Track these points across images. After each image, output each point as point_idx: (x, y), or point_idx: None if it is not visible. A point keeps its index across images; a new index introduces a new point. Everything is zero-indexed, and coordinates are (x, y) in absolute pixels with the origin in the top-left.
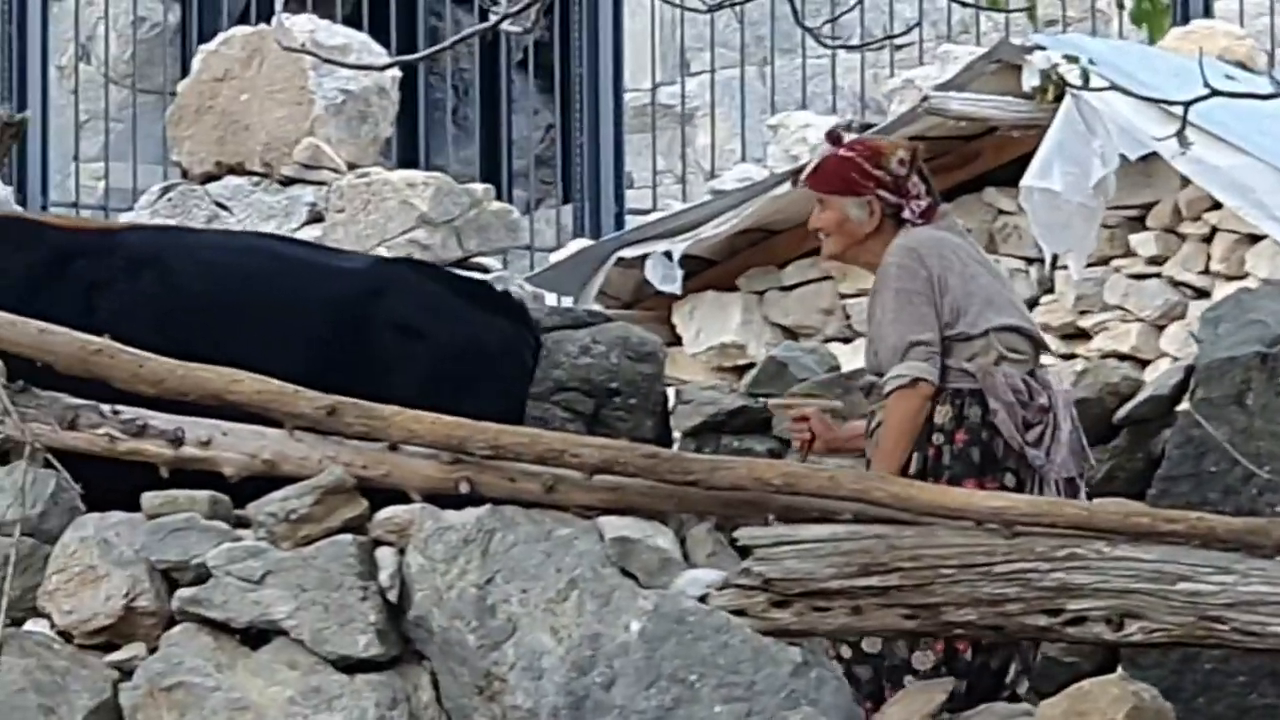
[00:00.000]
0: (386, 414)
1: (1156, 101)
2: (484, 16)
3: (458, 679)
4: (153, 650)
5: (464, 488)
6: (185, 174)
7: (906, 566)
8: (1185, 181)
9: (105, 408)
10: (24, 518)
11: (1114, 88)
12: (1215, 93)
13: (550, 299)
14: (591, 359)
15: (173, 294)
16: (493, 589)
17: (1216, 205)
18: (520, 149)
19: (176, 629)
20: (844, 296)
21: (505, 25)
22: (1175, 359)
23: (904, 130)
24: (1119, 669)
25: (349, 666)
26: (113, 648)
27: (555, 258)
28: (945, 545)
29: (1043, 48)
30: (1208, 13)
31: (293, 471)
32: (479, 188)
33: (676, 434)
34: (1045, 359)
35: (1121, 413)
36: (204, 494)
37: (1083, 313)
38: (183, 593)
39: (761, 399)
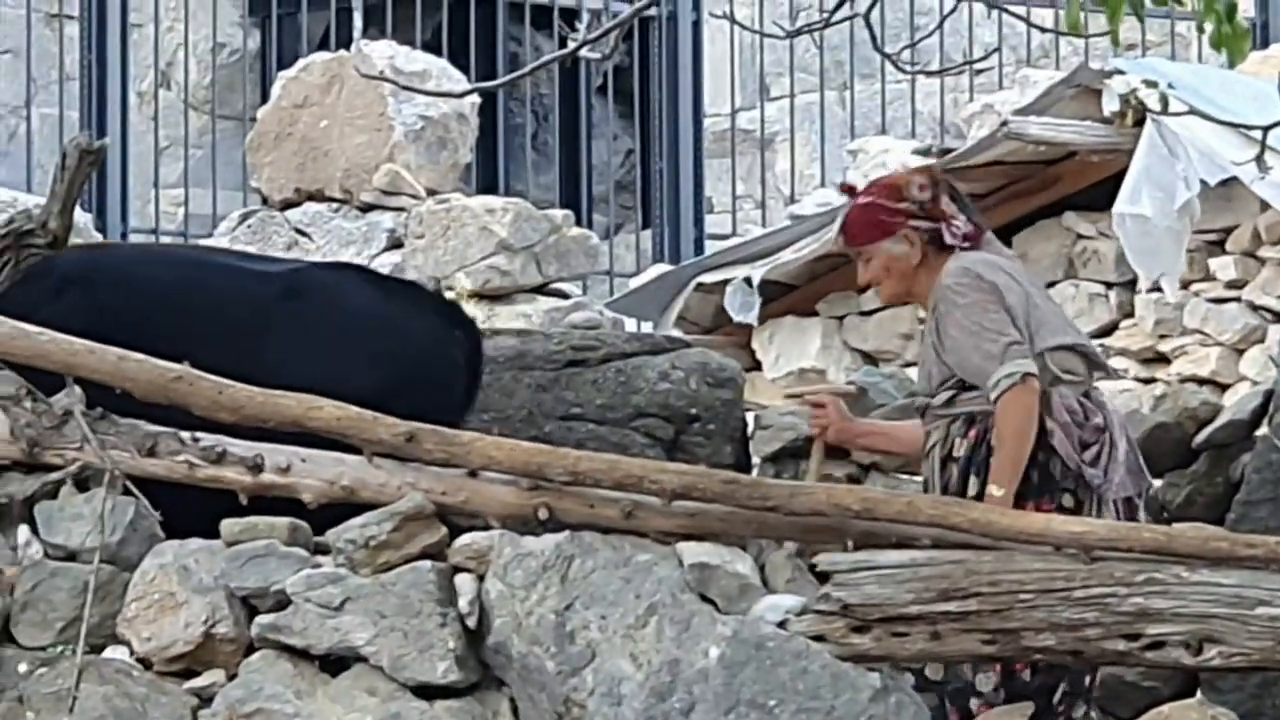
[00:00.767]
0: (465, 440)
1: (1236, 126)
2: (564, 43)
3: (537, 705)
4: (232, 677)
5: (543, 514)
6: (265, 200)
7: (985, 592)
8: (1265, 206)
9: (185, 434)
10: (103, 545)
11: (1193, 112)
12: None
13: (630, 324)
14: (671, 385)
15: (96, 309)
16: (572, 615)
17: None
18: (600, 174)
19: (256, 656)
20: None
21: (585, 51)
22: (1255, 383)
23: (983, 155)
24: (1198, 694)
25: (428, 693)
26: (192, 674)
27: (635, 283)
28: (1024, 570)
29: (1122, 72)
30: None
31: (371, 498)
32: (558, 213)
33: (755, 459)
34: (1101, 379)
35: (1200, 437)
36: (283, 521)
37: (1162, 337)
38: (262, 619)
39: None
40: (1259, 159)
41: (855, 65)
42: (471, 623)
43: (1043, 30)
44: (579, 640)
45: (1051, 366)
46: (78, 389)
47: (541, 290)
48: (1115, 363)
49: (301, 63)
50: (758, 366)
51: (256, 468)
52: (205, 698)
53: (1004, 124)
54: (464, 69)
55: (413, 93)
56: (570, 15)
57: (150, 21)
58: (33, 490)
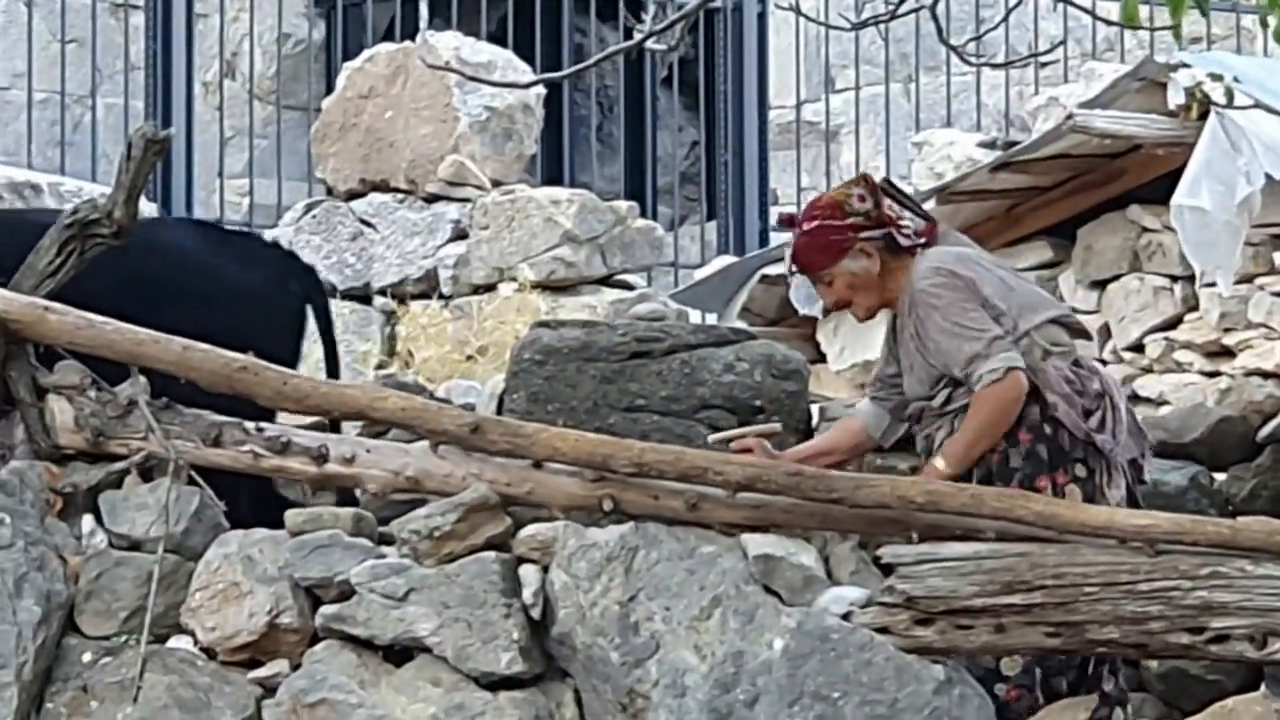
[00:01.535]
0: (530, 431)
1: None
2: (629, 34)
3: (601, 696)
4: (296, 667)
5: (607, 505)
6: (330, 191)
7: (1050, 584)
8: None
9: (249, 424)
10: (168, 535)
11: (1258, 105)
12: None
13: (694, 316)
14: (735, 376)
15: None
16: (636, 606)
17: None
18: (665, 166)
19: (320, 646)
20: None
21: (650, 43)
22: None
23: (1048, 148)
24: (1262, 687)
25: (492, 684)
26: (256, 664)
27: (699, 275)
28: (1089, 563)
29: (1187, 65)
30: None
31: (436, 488)
32: (623, 205)
33: None
34: (1084, 346)
35: (1265, 431)
36: (348, 511)
37: (1227, 330)
38: (326, 610)
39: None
40: None
41: (921, 57)
42: (536, 614)
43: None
44: (643, 631)
45: (1040, 342)
46: (142, 379)
47: (606, 282)
48: (1180, 356)
49: (367, 53)
50: (822, 359)
51: (321, 458)
52: (269, 688)
53: (1069, 117)
54: (529, 60)
55: (478, 84)
56: (636, 6)
57: (215, 11)
58: (97, 480)
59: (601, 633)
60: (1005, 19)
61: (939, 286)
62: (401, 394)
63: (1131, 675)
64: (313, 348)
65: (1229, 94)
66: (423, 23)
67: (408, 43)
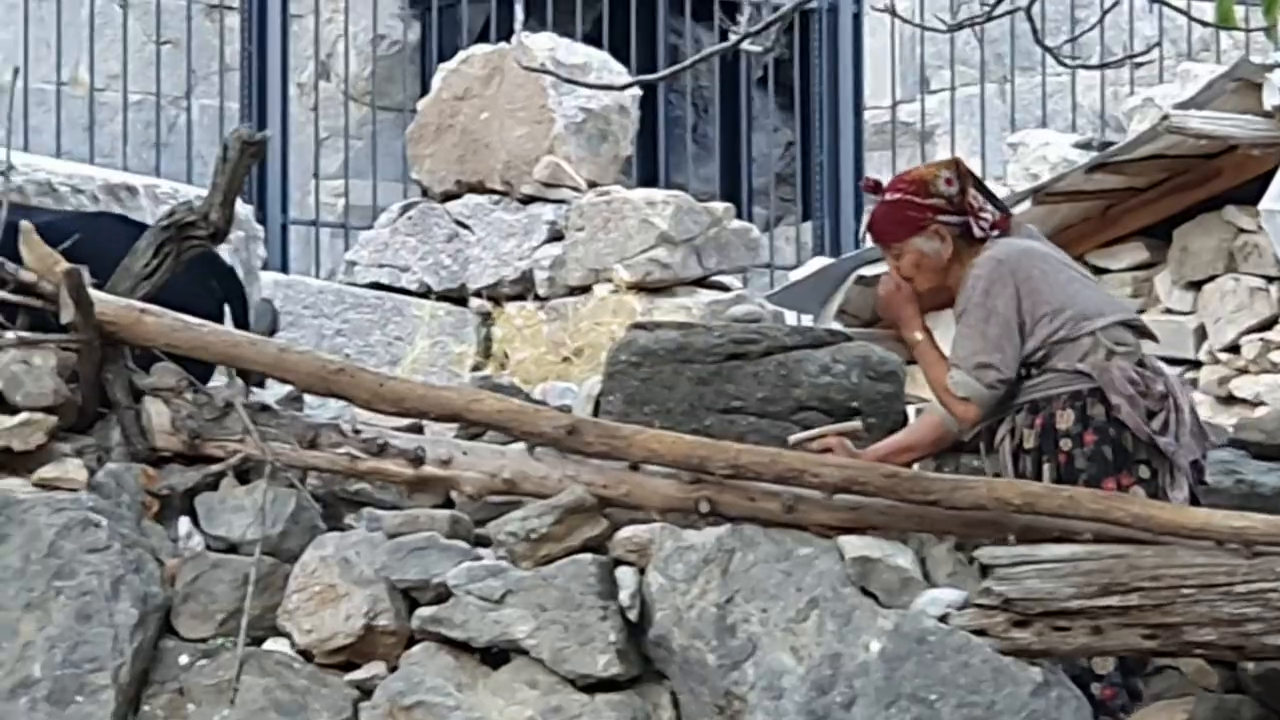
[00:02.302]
0: (627, 433)
1: None
2: (724, 35)
3: (698, 698)
4: (393, 669)
5: (704, 507)
6: (425, 192)
7: (1147, 586)
8: None
9: (346, 426)
10: (264, 537)
11: None
12: None
13: (790, 317)
14: (831, 378)
15: None
16: (733, 608)
17: None
18: (760, 167)
19: (417, 648)
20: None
21: (746, 44)
22: None
23: (1143, 148)
24: None
25: (589, 686)
26: (353, 667)
27: (795, 276)
28: (1185, 565)
29: None
30: None
31: (533, 490)
32: (719, 206)
33: None
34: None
35: None
36: (444, 513)
37: None
38: (423, 612)
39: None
40: None
41: (1016, 58)
42: (633, 615)
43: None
44: (740, 634)
45: (1105, 342)
46: (239, 381)
47: (702, 283)
48: (1275, 357)
49: (462, 55)
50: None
51: (418, 460)
52: (366, 690)
53: (1165, 118)
54: (624, 61)
55: (573, 85)
56: (731, 7)
57: (310, 13)
58: (194, 482)
59: (698, 635)
60: (1101, 20)
61: (991, 278)
62: (498, 396)
63: (1229, 677)
64: (406, 349)
65: None
66: (518, 24)
67: (503, 44)
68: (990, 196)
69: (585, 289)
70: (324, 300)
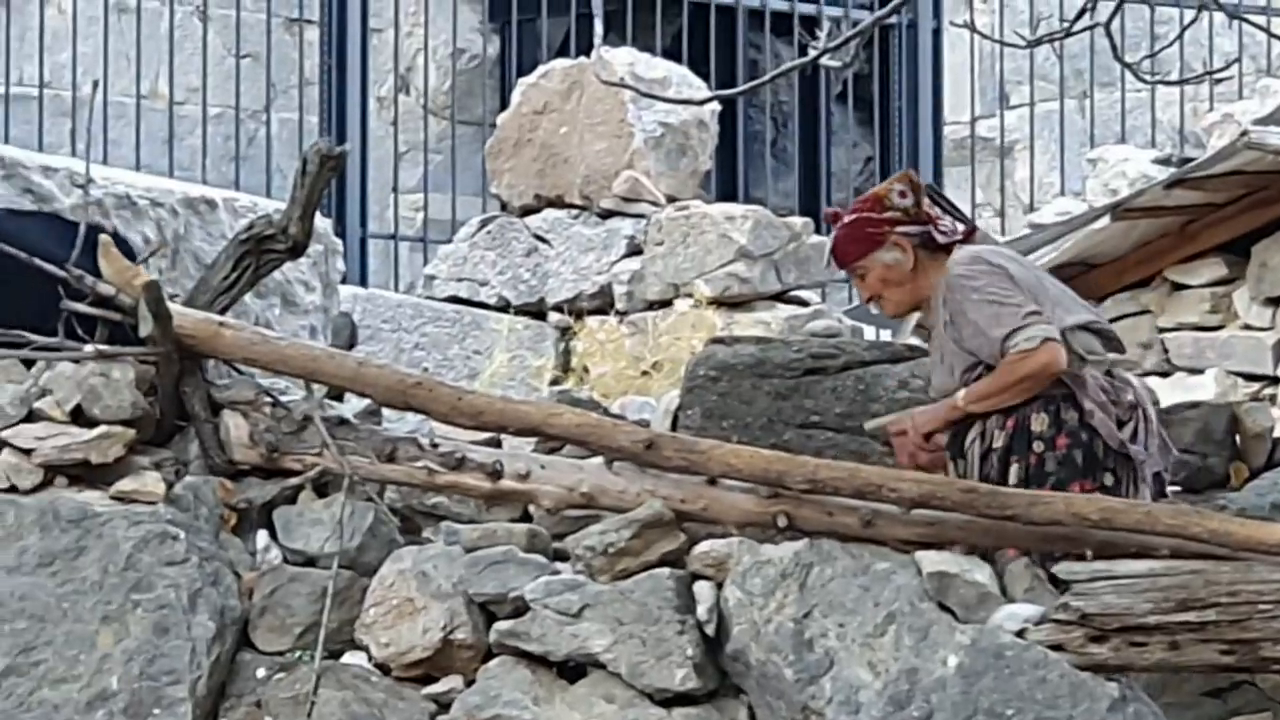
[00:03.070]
0: (705, 448)
1: None
2: (804, 50)
3: (775, 713)
4: (470, 683)
5: (781, 521)
6: (504, 206)
7: (1224, 602)
8: None
9: (424, 440)
10: (342, 550)
11: None
12: None
13: (868, 332)
14: (910, 392)
15: None
16: (810, 623)
17: None
18: (839, 181)
19: (494, 662)
20: (1162, 330)
21: (825, 59)
22: None
23: (1223, 164)
24: None
25: (666, 700)
26: (430, 680)
27: None
28: (1263, 580)
29: None
30: None
31: (611, 505)
32: (798, 220)
33: None
34: (1116, 358)
35: None
36: (522, 527)
37: None
38: (500, 626)
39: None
40: None
41: (1095, 74)
42: (710, 630)
43: None
44: (817, 648)
45: (1075, 347)
46: (318, 394)
47: (780, 298)
48: None
49: (541, 69)
50: None
51: (496, 474)
52: (443, 704)
53: (1244, 133)
54: (704, 76)
55: (653, 100)
56: (810, 22)
57: (390, 26)
58: (272, 495)
59: (776, 649)
60: (1180, 36)
61: (975, 270)
62: (576, 410)
63: None
64: (484, 363)
65: None
66: (597, 38)
67: (583, 58)
68: (951, 210)
69: (664, 303)
70: (402, 314)
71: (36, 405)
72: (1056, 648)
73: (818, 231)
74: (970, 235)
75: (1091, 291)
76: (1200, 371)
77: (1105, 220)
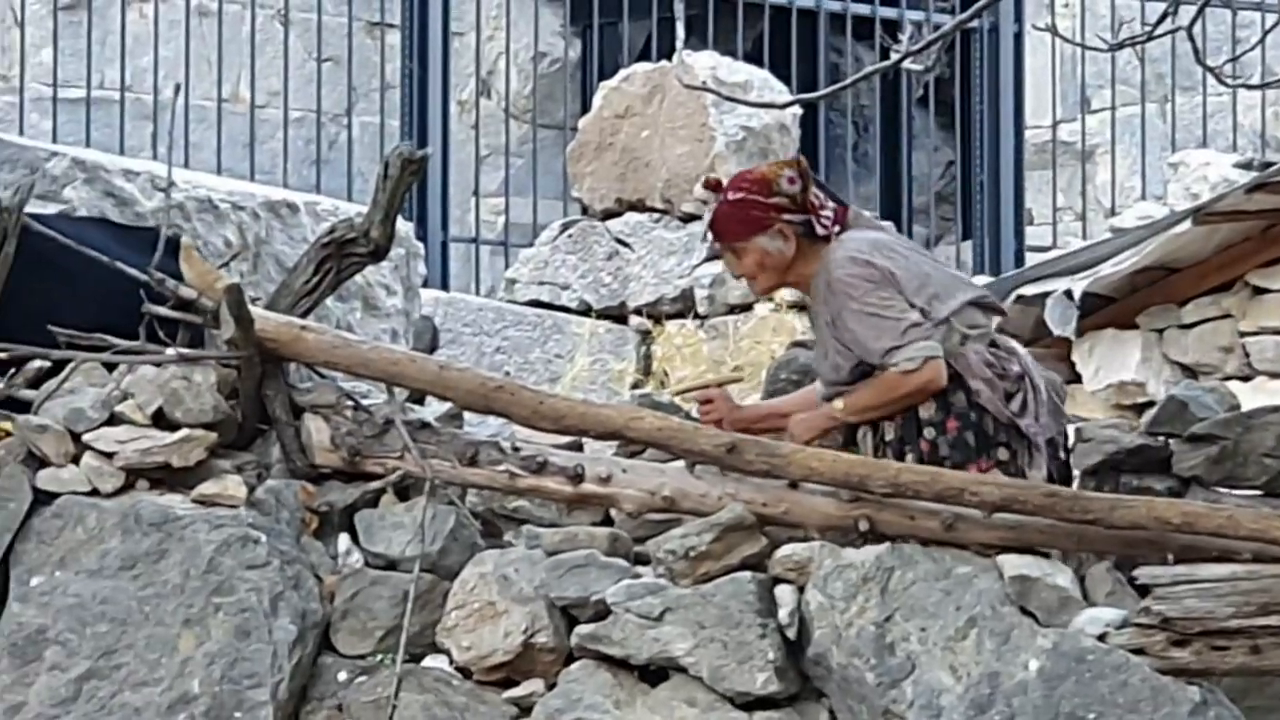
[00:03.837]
0: (786, 451)
1: None
2: (885, 54)
3: (856, 717)
4: (551, 687)
5: (863, 525)
6: (585, 210)
7: None
8: None
9: (505, 444)
10: (424, 554)
11: None
12: None
13: None
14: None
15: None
16: (892, 627)
17: None
18: (920, 185)
19: (575, 665)
20: (1244, 335)
21: (907, 63)
22: None
23: None
24: None
25: (748, 704)
26: (511, 684)
27: None
28: None
29: None
30: None
31: (692, 508)
32: None
33: (1076, 472)
34: (999, 324)
35: None
36: (603, 531)
37: None
38: (582, 629)
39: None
40: None
41: (1177, 78)
42: (791, 634)
43: None
44: (899, 652)
45: (959, 327)
46: (399, 397)
47: None
48: None
49: (623, 73)
50: (1077, 379)
51: (577, 477)
52: (524, 707)
53: None
54: (785, 80)
55: (734, 103)
56: (892, 26)
57: (471, 30)
58: (353, 499)
59: (857, 653)
60: (1262, 40)
61: (855, 276)
62: (658, 414)
63: None
64: (565, 366)
65: None
66: (679, 42)
67: (664, 62)
68: (828, 192)
69: (745, 307)
70: (484, 318)
71: (118, 409)
72: (1138, 651)
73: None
74: (844, 217)
75: (1173, 296)
76: None
77: (1187, 224)
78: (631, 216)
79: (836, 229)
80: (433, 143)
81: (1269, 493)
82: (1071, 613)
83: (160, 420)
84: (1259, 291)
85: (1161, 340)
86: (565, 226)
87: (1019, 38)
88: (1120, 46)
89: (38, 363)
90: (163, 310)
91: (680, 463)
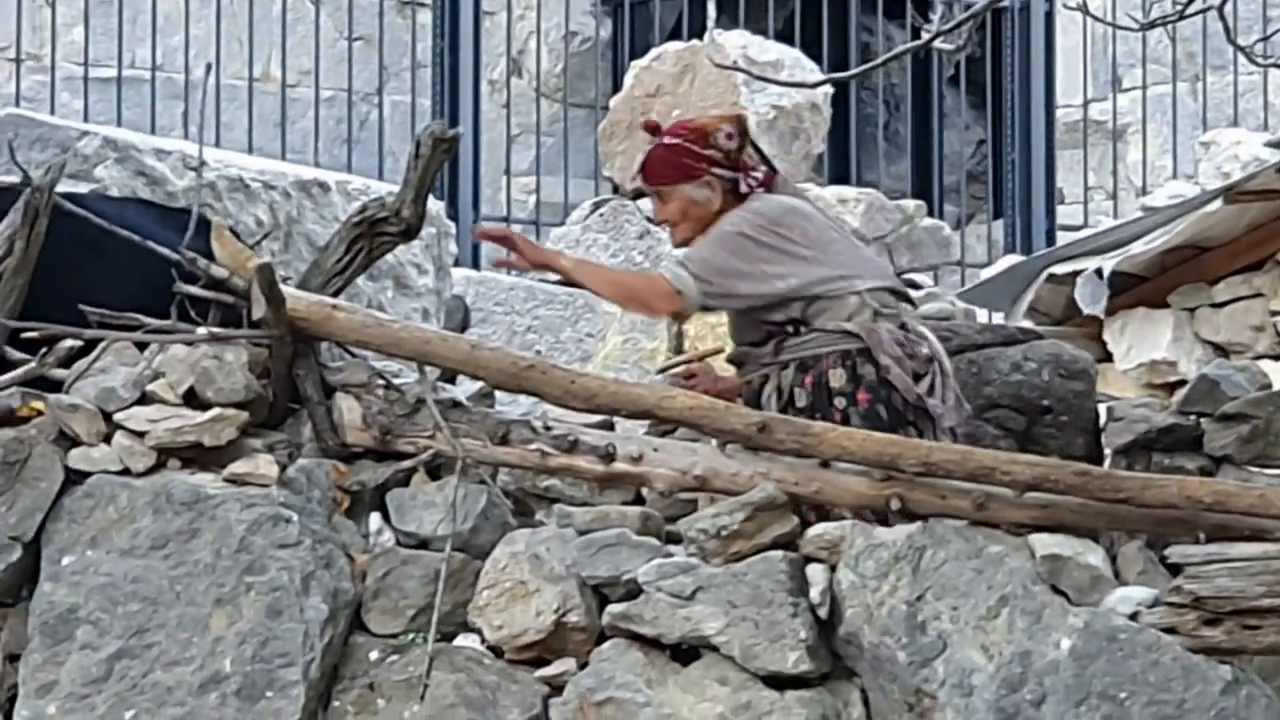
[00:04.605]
0: (818, 430)
1: None
2: (916, 33)
3: (888, 696)
4: (583, 666)
5: (895, 504)
6: (616, 189)
7: None
8: None
9: (537, 422)
10: (455, 533)
11: None
12: None
13: (981, 315)
14: (1023, 376)
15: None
16: (923, 606)
17: None
18: (952, 164)
19: (607, 645)
20: (1275, 313)
21: (938, 42)
22: None
23: None
24: None
25: (779, 683)
26: (543, 663)
27: (986, 274)
28: None
29: None
30: None
31: (724, 487)
32: (910, 204)
33: (1108, 451)
34: (909, 310)
35: None
36: (634, 510)
37: None
38: (613, 608)
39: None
40: None
41: (1208, 57)
42: (823, 613)
43: None
44: (930, 631)
45: (870, 303)
46: (431, 376)
47: None
48: None
49: (654, 52)
50: (1109, 358)
51: (609, 456)
52: (556, 686)
53: None
54: (816, 59)
55: (765, 83)
56: (923, 5)
57: (502, 9)
58: (385, 478)
59: (888, 632)
60: None
61: (743, 222)
62: (689, 393)
63: None
64: (597, 345)
65: None
66: (710, 21)
67: (695, 41)
68: (763, 156)
69: None
70: (515, 297)
71: (149, 388)
72: (1169, 631)
73: (930, 214)
74: (771, 181)
75: (1204, 275)
76: None
77: (1218, 203)
78: None
79: (761, 190)
80: (464, 122)
81: None
82: (1103, 592)
83: (191, 399)
84: None
85: (1193, 319)
86: (596, 205)
87: (1050, 16)
88: (1151, 26)
89: (69, 342)
90: (194, 289)
91: (712, 441)
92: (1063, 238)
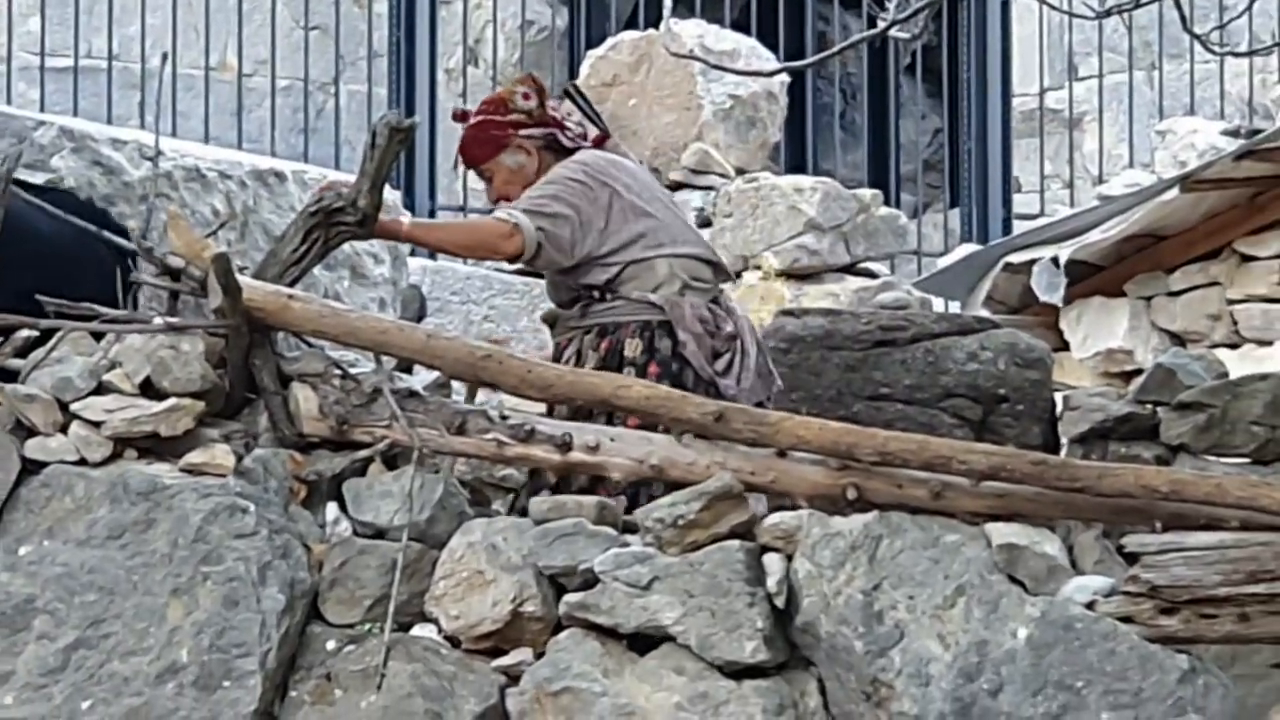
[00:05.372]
0: (774, 420)
1: None
2: (873, 22)
3: (844, 685)
4: (539, 655)
5: (851, 494)
6: None
7: None
8: None
9: (493, 412)
10: (412, 523)
11: None
12: None
13: (938, 304)
14: (979, 365)
15: None
16: (880, 595)
17: None
18: (908, 153)
19: (564, 634)
20: (1231, 302)
21: (894, 31)
22: None
23: None
24: None
25: (736, 672)
26: (500, 653)
27: (943, 263)
28: None
29: None
30: None
31: (680, 477)
32: (867, 193)
33: (1064, 440)
34: (725, 284)
35: None
36: (591, 500)
37: None
38: (570, 598)
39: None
40: None
41: (1164, 45)
42: (780, 602)
43: None
44: (887, 620)
45: (680, 273)
46: (387, 366)
47: (850, 270)
48: None
49: (610, 41)
50: (1065, 347)
51: (565, 446)
52: (513, 676)
53: None
54: (772, 48)
55: (722, 72)
56: None
57: None
58: (341, 468)
59: (845, 621)
60: (1250, 7)
61: (565, 169)
62: (645, 383)
63: None
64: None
65: None
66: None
67: (651, 30)
68: (594, 118)
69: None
70: (471, 286)
71: (106, 378)
72: (1126, 620)
73: (886, 203)
74: (602, 141)
75: (1160, 263)
76: (1269, 343)
77: (1174, 192)
78: None
79: (587, 145)
80: (420, 111)
81: (1256, 460)
82: (1060, 581)
83: (148, 389)
84: (1246, 259)
85: (1149, 308)
86: None
87: (1006, 5)
88: (1107, 14)
89: (25, 331)
90: (150, 279)
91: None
92: (1019, 226)
